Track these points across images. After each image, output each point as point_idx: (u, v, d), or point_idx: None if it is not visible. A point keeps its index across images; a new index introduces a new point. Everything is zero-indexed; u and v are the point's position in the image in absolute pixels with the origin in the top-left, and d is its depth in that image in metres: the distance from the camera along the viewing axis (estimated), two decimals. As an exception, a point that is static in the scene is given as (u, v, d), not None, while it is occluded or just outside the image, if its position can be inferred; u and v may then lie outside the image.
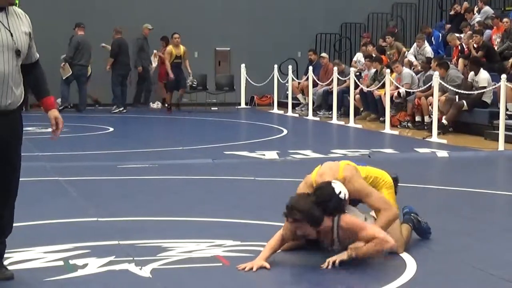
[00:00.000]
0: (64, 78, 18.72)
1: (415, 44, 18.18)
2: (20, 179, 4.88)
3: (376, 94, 16.55)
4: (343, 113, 17.86)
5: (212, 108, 20.37)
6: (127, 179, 9.00)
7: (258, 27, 19.24)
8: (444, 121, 14.14)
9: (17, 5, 21.74)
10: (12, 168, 4.80)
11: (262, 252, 5.28)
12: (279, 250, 5.42)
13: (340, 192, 5.25)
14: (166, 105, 19.28)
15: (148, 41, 20.26)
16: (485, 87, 14.13)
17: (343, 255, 5.14)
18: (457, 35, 17.71)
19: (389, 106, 15.01)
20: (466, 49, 16.55)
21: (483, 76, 14.35)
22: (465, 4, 20.67)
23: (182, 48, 19.09)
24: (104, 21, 20.45)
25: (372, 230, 5.17)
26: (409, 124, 15.56)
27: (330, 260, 5.14)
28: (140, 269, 5.08)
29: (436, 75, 13.70)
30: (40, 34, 18.94)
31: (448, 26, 20.13)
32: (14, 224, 4.95)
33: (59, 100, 19.13)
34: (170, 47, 19.06)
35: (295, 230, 5.22)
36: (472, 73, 14.53)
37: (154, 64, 20.54)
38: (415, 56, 17.69)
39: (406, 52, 18.15)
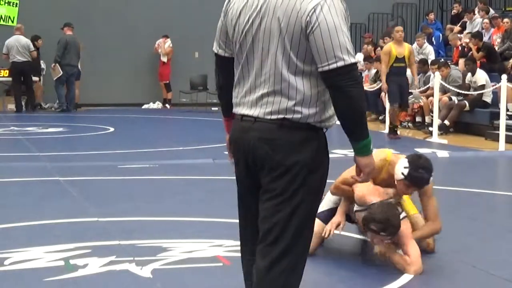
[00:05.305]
0: (55, 79, 18.69)
1: (415, 44, 18.15)
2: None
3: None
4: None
5: (212, 108, 20.36)
6: (127, 179, 8.99)
7: (259, 27, 19.19)
8: (446, 122, 14.13)
9: (17, 5, 21.45)
10: None
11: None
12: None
13: None
14: (391, 127, 13.76)
15: None
16: (483, 86, 14.12)
17: (384, 248, 5.13)
18: (459, 35, 17.70)
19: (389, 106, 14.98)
20: (466, 49, 16.54)
21: (480, 75, 14.34)
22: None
23: (406, 46, 13.45)
24: (105, 21, 20.45)
25: (409, 249, 5.11)
26: (409, 124, 15.55)
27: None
28: (141, 269, 5.09)
29: (437, 76, 13.69)
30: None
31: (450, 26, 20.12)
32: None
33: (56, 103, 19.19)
34: (389, 45, 13.42)
35: (372, 239, 5.16)
36: (469, 74, 14.53)
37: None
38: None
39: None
